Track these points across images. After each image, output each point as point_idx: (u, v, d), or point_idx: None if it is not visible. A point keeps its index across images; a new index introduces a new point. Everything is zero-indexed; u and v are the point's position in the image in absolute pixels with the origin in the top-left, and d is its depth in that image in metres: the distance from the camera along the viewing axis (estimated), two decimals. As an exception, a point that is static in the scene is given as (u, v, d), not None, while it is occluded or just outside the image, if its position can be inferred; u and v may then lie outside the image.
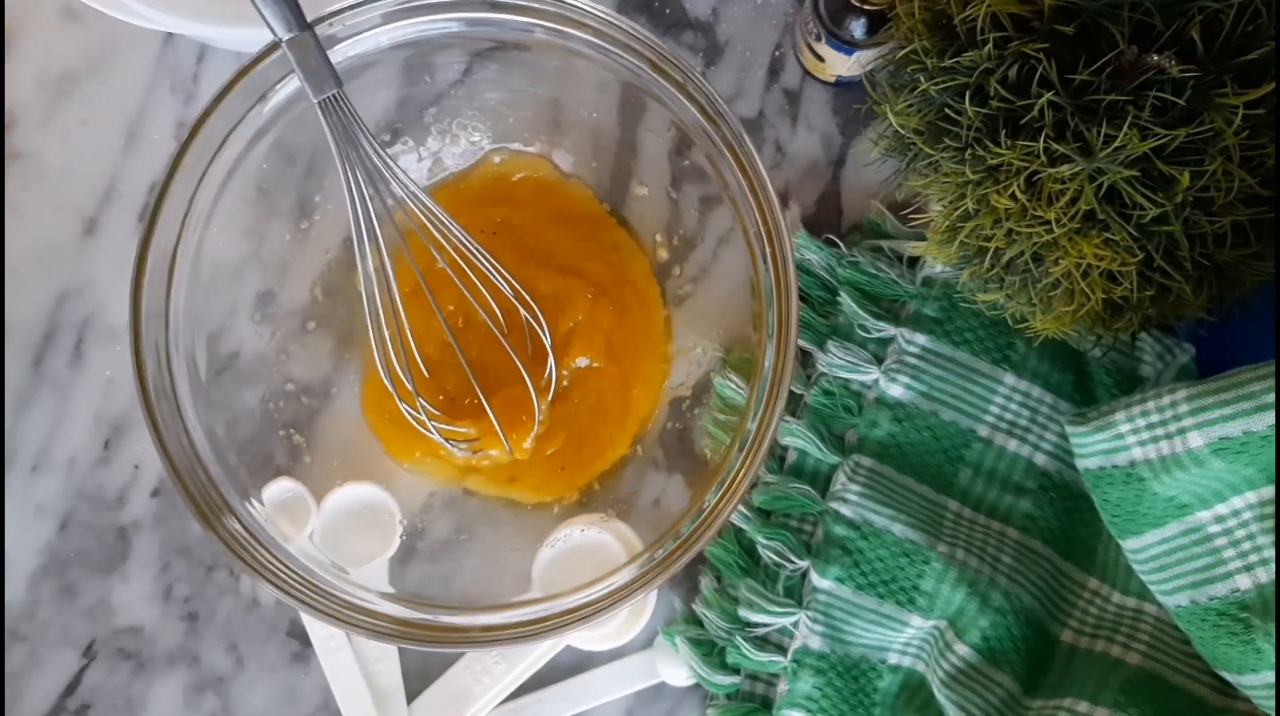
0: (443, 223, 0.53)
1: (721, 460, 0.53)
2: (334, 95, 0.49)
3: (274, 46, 0.50)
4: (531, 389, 0.56)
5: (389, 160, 0.51)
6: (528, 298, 0.56)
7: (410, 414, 0.56)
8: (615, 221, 0.61)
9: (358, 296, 0.56)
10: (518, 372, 0.56)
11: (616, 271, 0.60)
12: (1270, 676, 0.50)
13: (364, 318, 0.53)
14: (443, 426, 0.57)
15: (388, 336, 0.53)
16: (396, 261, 0.53)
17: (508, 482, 0.59)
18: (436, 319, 0.55)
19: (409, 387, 0.55)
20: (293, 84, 0.52)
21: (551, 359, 0.57)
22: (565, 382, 0.59)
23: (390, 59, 0.55)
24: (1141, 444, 0.51)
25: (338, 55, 0.52)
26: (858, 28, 0.55)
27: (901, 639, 0.57)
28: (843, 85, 0.61)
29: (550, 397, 0.58)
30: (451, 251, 0.54)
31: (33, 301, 0.61)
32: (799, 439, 0.59)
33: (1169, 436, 0.50)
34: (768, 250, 0.51)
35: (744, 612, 0.58)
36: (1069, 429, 0.54)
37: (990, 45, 0.45)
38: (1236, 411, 0.49)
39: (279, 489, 0.56)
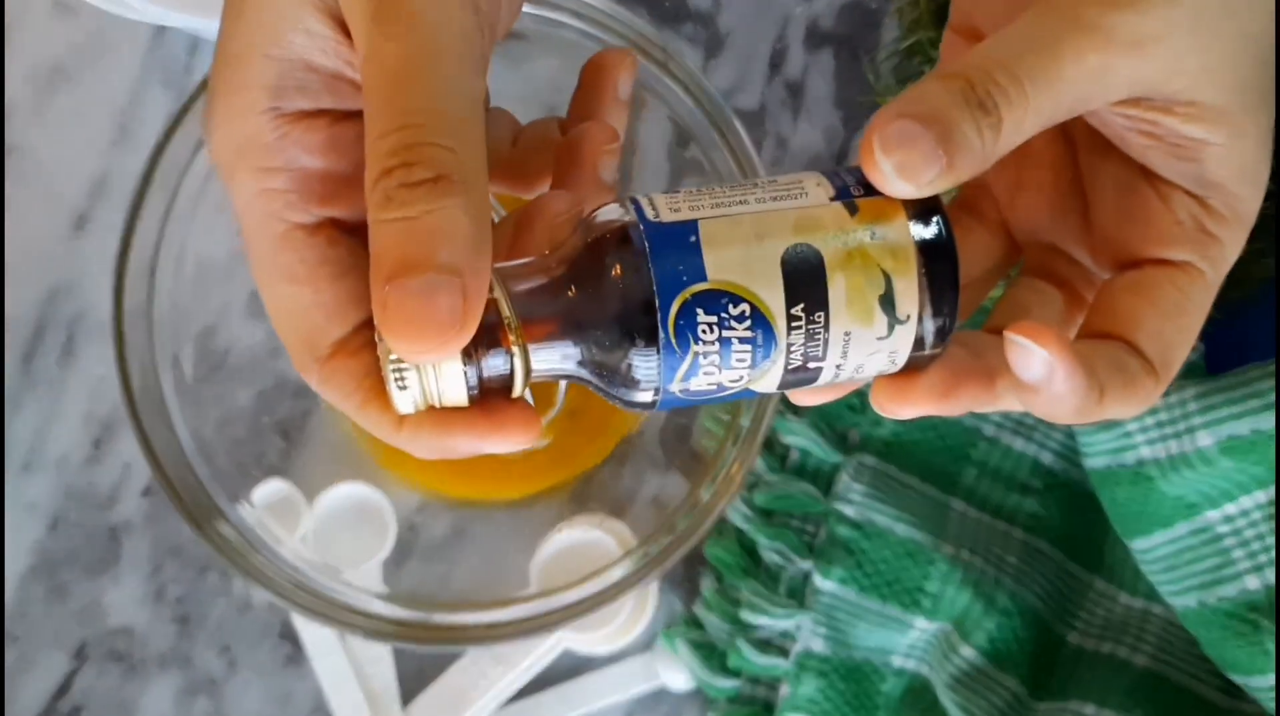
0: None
1: (716, 455, 0.52)
2: None
3: None
4: None
5: None
6: None
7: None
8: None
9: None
10: None
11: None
12: (1280, 678, 0.50)
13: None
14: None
15: None
16: None
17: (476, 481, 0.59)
18: None
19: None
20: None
21: None
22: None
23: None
24: (1149, 443, 0.51)
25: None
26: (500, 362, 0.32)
27: (906, 641, 0.57)
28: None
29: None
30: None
31: (23, 298, 0.60)
32: (801, 438, 0.58)
33: (1177, 435, 0.50)
34: None
35: (746, 615, 0.57)
36: (1076, 428, 0.53)
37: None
38: (1245, 409, 0.48)
39: (270, 490, 0.55)
